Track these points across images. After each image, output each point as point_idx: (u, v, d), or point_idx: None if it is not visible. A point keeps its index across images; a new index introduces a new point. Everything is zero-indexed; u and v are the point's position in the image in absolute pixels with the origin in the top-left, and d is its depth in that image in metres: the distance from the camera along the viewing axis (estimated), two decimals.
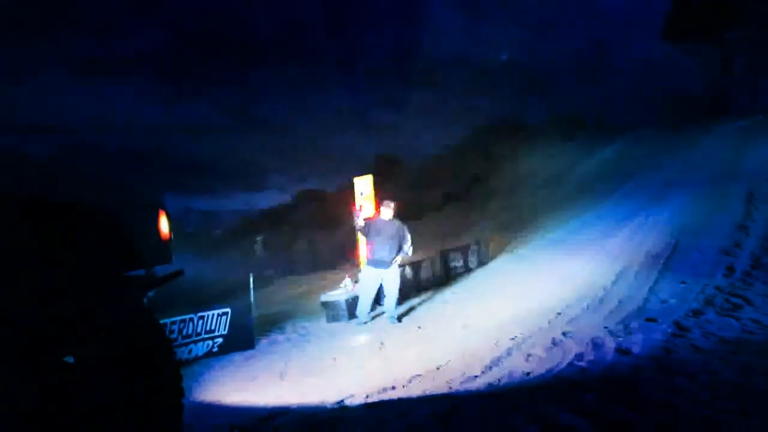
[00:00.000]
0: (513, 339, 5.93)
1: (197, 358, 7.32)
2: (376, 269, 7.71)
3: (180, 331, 7.33)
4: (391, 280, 7.83)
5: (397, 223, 7.89)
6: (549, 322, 6.55)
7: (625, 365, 4.30)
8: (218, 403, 5.10)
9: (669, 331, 5.07)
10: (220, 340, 7.63)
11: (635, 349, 4.67)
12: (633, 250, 10.59)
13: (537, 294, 8.59)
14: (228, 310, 7.77)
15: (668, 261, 9.21)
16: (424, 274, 11.49)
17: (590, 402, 3.32)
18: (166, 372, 2.79)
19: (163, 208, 3.28)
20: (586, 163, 25.05)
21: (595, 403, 3.29)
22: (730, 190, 13.14)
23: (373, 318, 8.52)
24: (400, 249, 7.85)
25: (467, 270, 12.65)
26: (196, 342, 7.47)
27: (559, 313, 6.98)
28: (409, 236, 8.03)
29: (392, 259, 7.74)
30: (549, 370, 4.53)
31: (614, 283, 8.38)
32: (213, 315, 7.66)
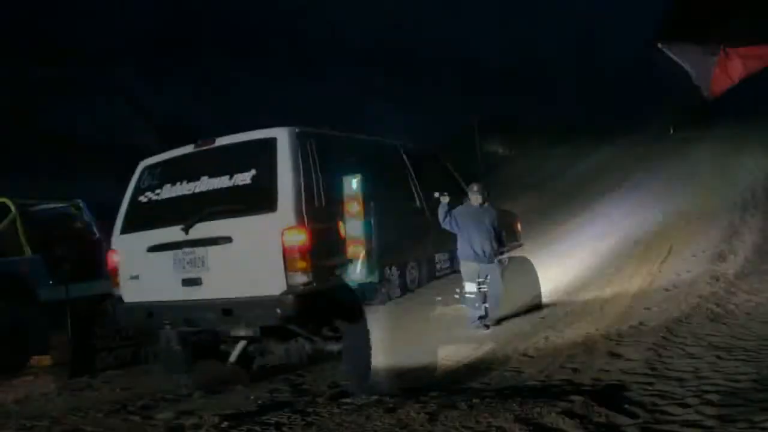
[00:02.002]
0: (506, 338, 5.94)
1: None
2: (474, 263, 6.05)
3: None
4: (491, 278, 6.19)
5: (490, 209, 6.22)
6: (534, 326, 6.57)
7: (616, 369, 4.33)
8: None
9: (660, 335, 5.10)
10: None
11: (626, 353, 4.70)
12: (625, 254, 10.62)
13: (524, 296, 8.58)
14: None
15: (661, 265, 9.25)
16: (410, 275, 11.37)
17: (579, 404, 3.34)
18: None
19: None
20: (578, 165, 25.08)
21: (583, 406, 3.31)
22: (724, 196, 13.20)
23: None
24: (499, 240, 6.27)
25: (454, 271, 12.51)
26: None
27: (543, 318, 7.00)
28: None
29: (492, 253, 6.09)
30: (540, 371, 4.55)
31: (605, 287, 8.41)
32: None
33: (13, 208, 7.08)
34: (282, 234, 3.63)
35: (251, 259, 3.78)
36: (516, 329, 6.48)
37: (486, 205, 6.19)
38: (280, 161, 3.80)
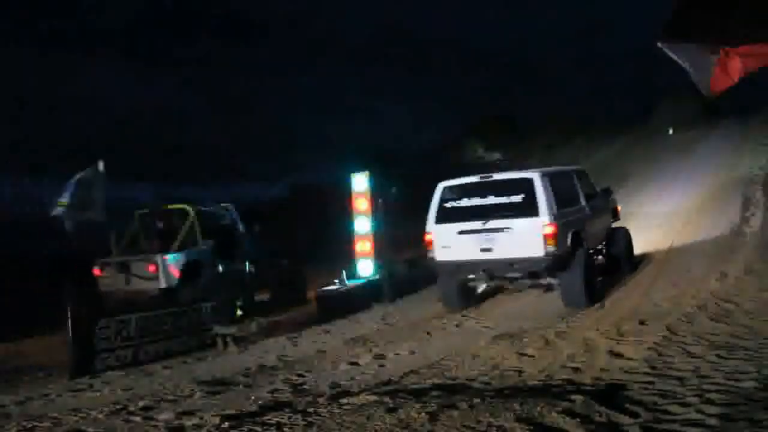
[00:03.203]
0: (506, 338, 5.95)
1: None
2: None
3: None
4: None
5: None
6: (534, 324, 6.57)
7: (617, 368, 4.32)
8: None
9: (661, 334, 5.10)
10: None
11: (626, 352, 4.70)
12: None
13: (532, 293, 8.60)
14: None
15: (662, 264, 9.24)
16: (419, 271, 11.49)
17: (579, 403, 3.34)
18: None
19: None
20: (581, 163, 25.00)
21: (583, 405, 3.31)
22: (724, 195, 13.20)
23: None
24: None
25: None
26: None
27: (544, 317, 7.00)
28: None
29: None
30: (541, 371, 4.55)
31: (607, 285, 8.40)
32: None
33: (192, 212, 9.78)
34: (543, 228, 6.90)
35: (523, 238, 7.00)
36: (515, 327, 6.49)
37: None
38: (537, 190, 7.04)
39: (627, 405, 3.35)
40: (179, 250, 9.34)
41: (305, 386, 5.02)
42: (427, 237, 7.67)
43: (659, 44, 4.22)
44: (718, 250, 9.15)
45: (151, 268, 8.91)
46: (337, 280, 10.01)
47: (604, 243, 8.71)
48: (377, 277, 10.10)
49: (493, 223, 7.15)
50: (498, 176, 7.64)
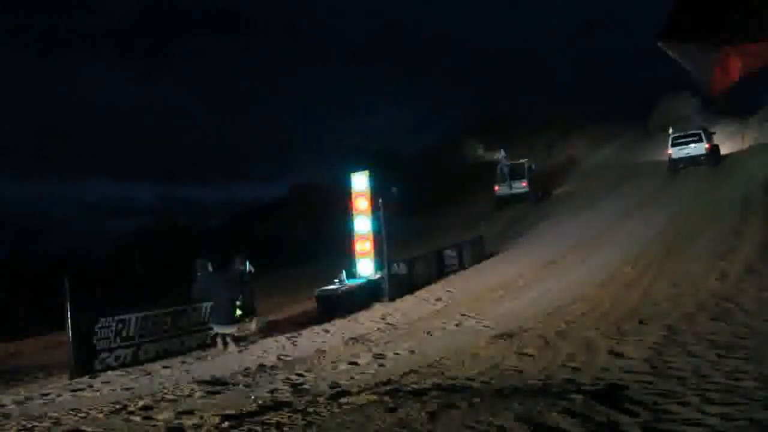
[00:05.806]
0: (506, 338, 5.94)
1: None
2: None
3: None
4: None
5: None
6: (541, 322, 6.57)
7: (617, 367, 4.32)
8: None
9: (661, 334, 5.09)
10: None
11: (626, 352, 4.69)
12: (628, 250, 10.63)
13: (531, 293, 8.60)
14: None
15: (664, 263, 9.24)
16: (419, 270, 11.49)
17: (579, 403, 3.34)
18: None
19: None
20: (582, 162, 25.01)
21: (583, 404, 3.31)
22: (724, 195, 13.21)
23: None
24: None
25: (462, 267, 12.67)
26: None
27: (550, 314, 6.99)
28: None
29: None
30: (541, 371, 4.54)
31: (607, 285, 8.40)
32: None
33: (525, 164, 21.60)
34: (705, 144, 19.78)
35: (700, 148, 19.77)
36: (515, 327, 6.49)
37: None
38: (703, 135, 19.97)
39: (627, 405, 3.35)
40: (526, 177, 20.87)
41: (305, 386, 5.01)
42: (668, 151, 19.47)
43: (659, 44, 4.21)
44: (719, 249, 9.14)
45: (524, 183, 20.67)
46: (337, 280, 10.00)
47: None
48: (377, 276, 10.10)
49: (690, 145, 19.09)
50: (689, 131, 19.58)
